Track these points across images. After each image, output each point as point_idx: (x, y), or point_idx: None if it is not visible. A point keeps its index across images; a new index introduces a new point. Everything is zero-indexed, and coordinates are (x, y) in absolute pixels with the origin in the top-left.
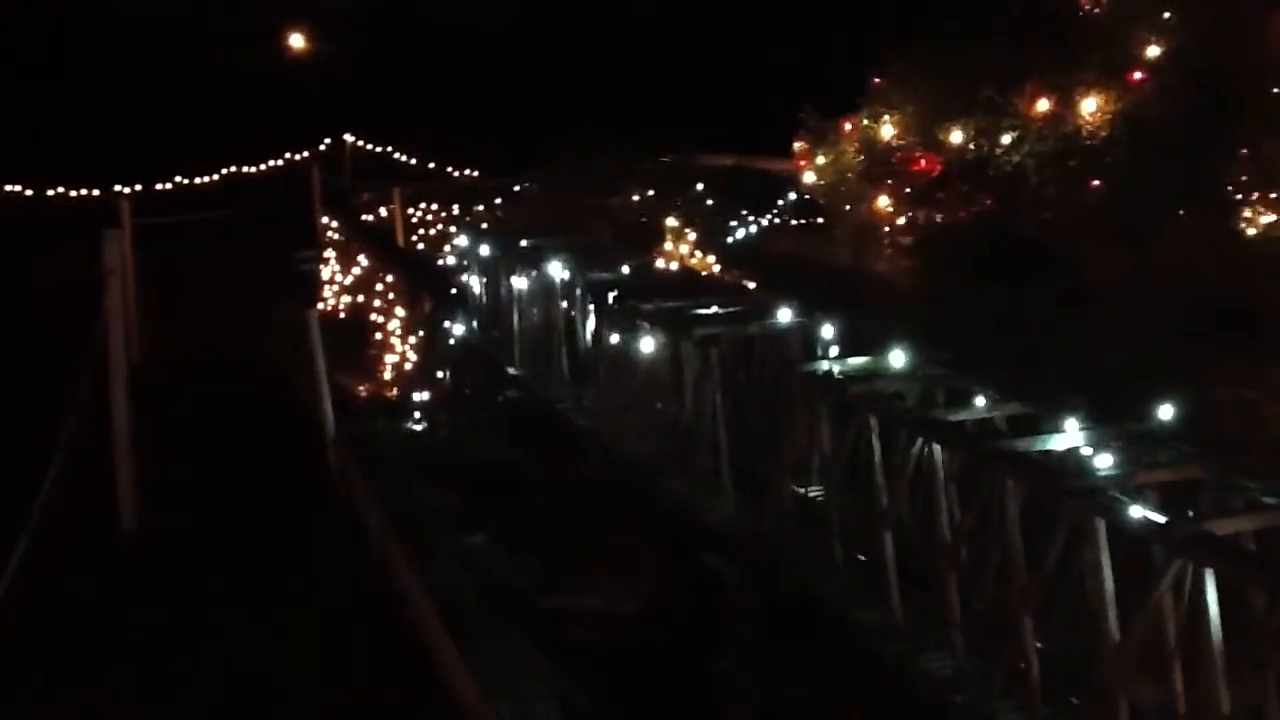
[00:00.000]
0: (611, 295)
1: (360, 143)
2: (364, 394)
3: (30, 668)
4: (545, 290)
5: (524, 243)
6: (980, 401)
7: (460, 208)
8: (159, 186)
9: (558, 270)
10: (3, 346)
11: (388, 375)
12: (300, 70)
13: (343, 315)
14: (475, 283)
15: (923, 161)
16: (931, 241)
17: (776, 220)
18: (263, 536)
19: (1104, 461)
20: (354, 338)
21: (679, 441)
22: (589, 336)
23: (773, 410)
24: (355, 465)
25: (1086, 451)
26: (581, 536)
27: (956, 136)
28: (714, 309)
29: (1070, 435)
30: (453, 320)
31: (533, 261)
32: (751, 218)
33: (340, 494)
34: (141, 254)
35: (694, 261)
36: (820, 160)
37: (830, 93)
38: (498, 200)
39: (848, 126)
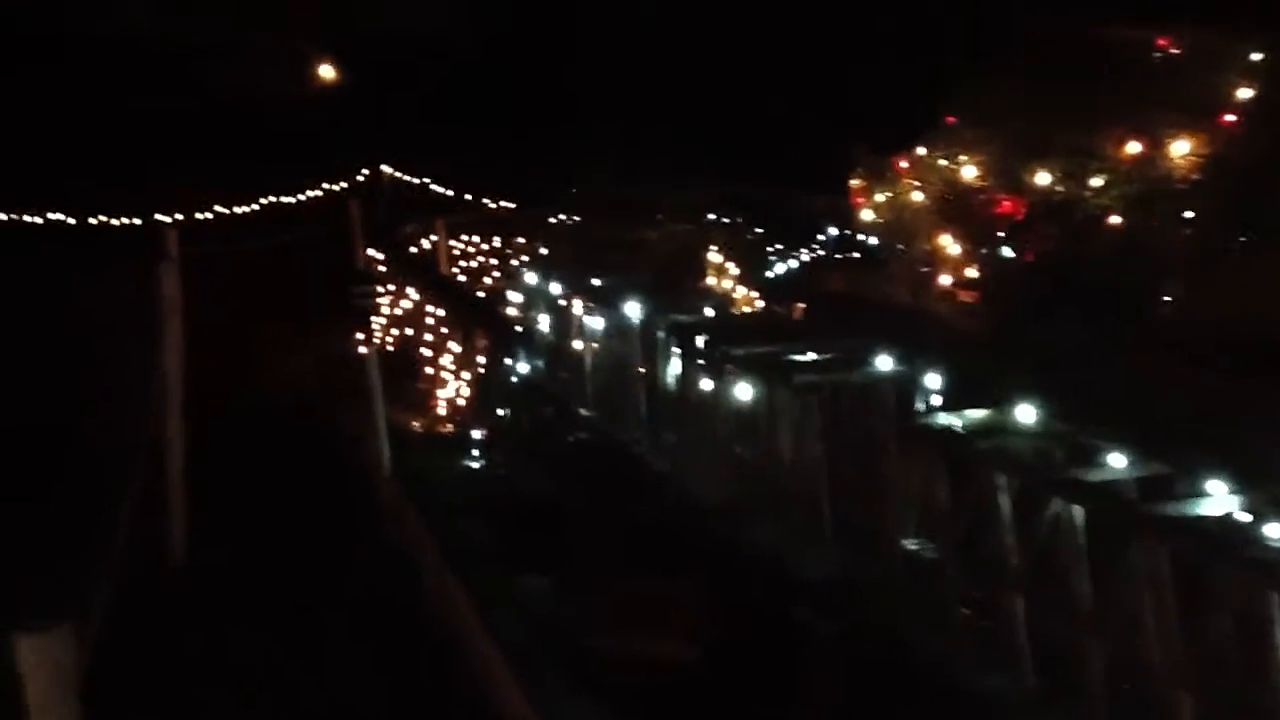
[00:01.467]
0: (700, 339)
1: (396, 173)
2: (417, 429)
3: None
4: (620, 331)
5: (596, 281)
6: (1116, 460)
7: (501, 240)
8: (199, 216)
9: (634, 311)
10: (50, 375)
11: (441, 411)
12: (335, 102)
13: (390, 348)
14: (544, 321)
15: (1006, 203)
16: (1003, 282)
17: (819, 255)
18: (310, 571)
19: (1271, 530)
20: (403, 371)
21: (769, 490)
22: (670, 379)
23: (875, 461)
24: (408, 501)
25: (1243, 518)
26: (655, 582)
27: (1043, 178)
28: (808, 355)
29: (1219, 499)
30: (513, 358)
31: (605, 301)
32: (792, 252)
33: (392, 530)
34: (185, 284)
35: (737, 296)
36: (878, 197)
37: (878, 130)
38: (538, 232)
39: (904, 164)
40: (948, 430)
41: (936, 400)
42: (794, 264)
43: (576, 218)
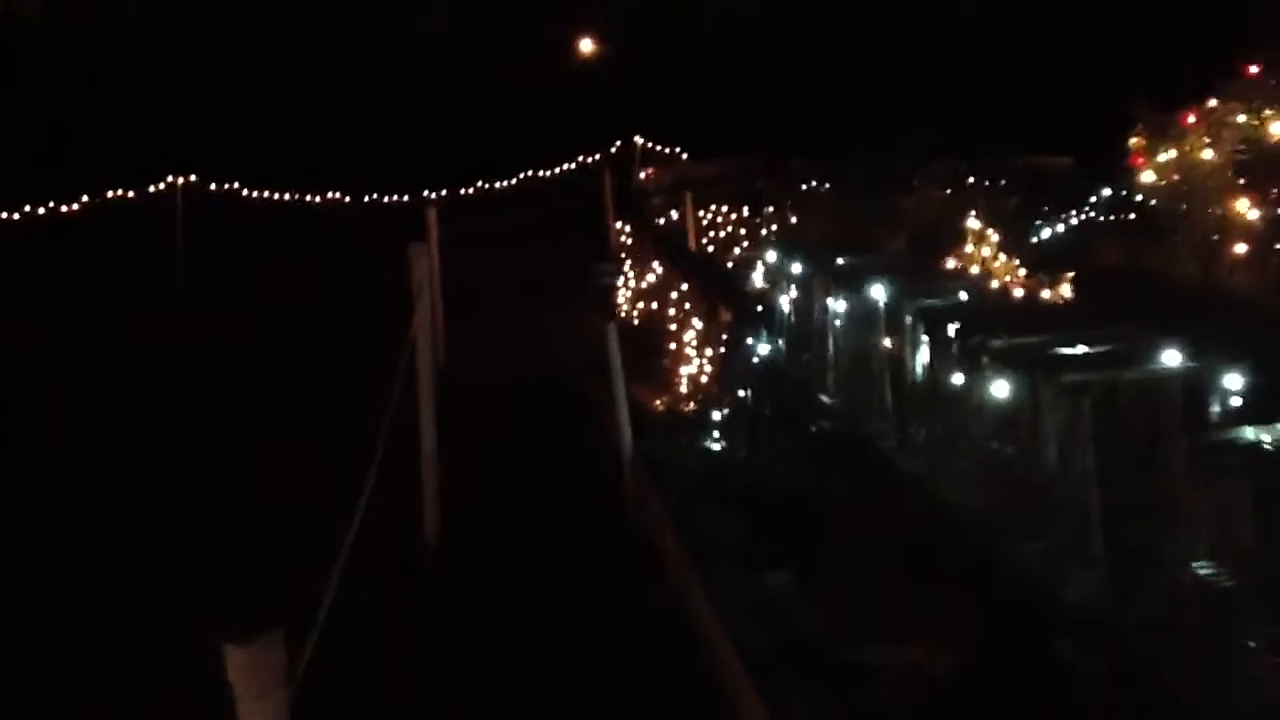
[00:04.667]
0: (952, 328)
1: (649, 144)
2: (660, 407)
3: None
4: (866, 315)
5: (840, 260)
6: None
7: (750, 209)
8: (462, 191)
9: (880, 294)
10: (323, 348)
11: (684, 389)
12: (590, 73)
13: (636, 323)
14: (785, 301)
15: None
16: None
17: (1088, 220)
18: (557, 555)
19: None
20: (648, 347)
21: (1031, 502)
22: (919, 371)
23: (1158, 474)
24: (651, 485)
25: None
26: (896, 589)
27: None
28: (1078, 348)
29: None
30: (755, 337)
31: (850, 282)
32: (1060, 217)
33: (635, 516)
34: (446, 260)
35: (997, 266)
36: (1160, 157)
37: (1160, 83)
38: (788, 202)
39: (1191, 119)
40: (1255, 447)
41: (1237, 404)
42: (1061, 229)
43: (828, 185)
